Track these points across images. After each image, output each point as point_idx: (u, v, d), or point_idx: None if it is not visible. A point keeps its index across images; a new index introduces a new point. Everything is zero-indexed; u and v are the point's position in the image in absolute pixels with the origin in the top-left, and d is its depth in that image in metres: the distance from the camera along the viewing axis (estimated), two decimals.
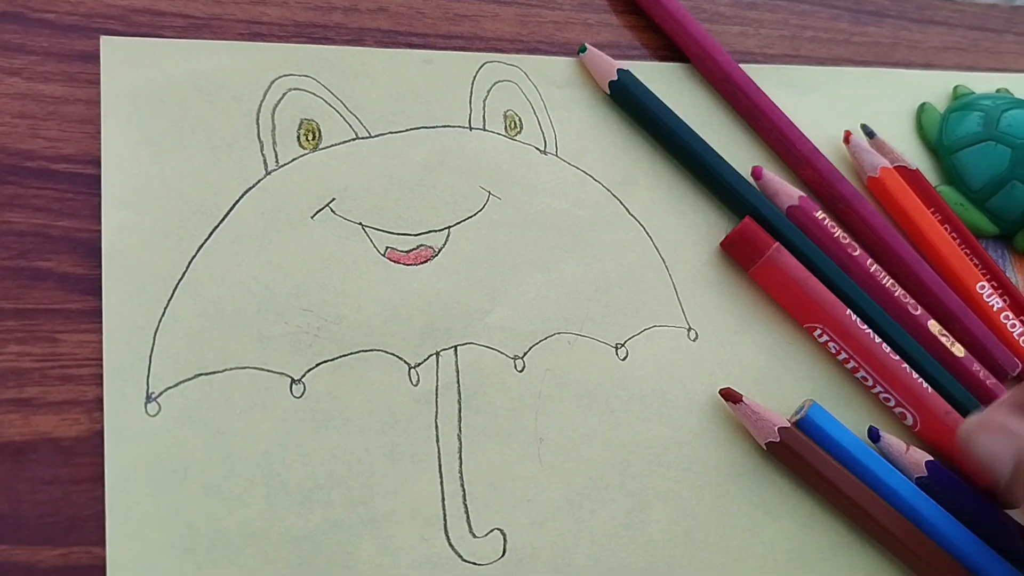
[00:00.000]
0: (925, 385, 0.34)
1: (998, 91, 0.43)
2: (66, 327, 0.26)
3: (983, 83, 0.43)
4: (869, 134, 0.39)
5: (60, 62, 0.29)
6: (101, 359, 0.26)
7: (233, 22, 0.31)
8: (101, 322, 0.26)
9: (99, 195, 0.28)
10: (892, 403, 0.34)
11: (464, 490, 0.28)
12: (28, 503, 0.24)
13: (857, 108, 0.40)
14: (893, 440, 0.34)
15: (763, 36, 0.40)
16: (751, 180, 0.36)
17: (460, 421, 0.29)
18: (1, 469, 0.24)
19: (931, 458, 0.34)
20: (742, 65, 0.37)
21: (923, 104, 0.41)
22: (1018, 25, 0.46)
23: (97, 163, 0.28)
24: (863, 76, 0.41)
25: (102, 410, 0.26)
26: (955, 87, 0.42)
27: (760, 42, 0.39)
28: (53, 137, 0.28)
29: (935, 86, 0.42)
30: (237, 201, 0.29)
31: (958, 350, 0.36)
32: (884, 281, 0.35)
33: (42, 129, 0.28)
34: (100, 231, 0.27)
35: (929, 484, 0.33)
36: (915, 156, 0.41)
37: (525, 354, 0.31)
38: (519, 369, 0.30)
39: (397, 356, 0.29)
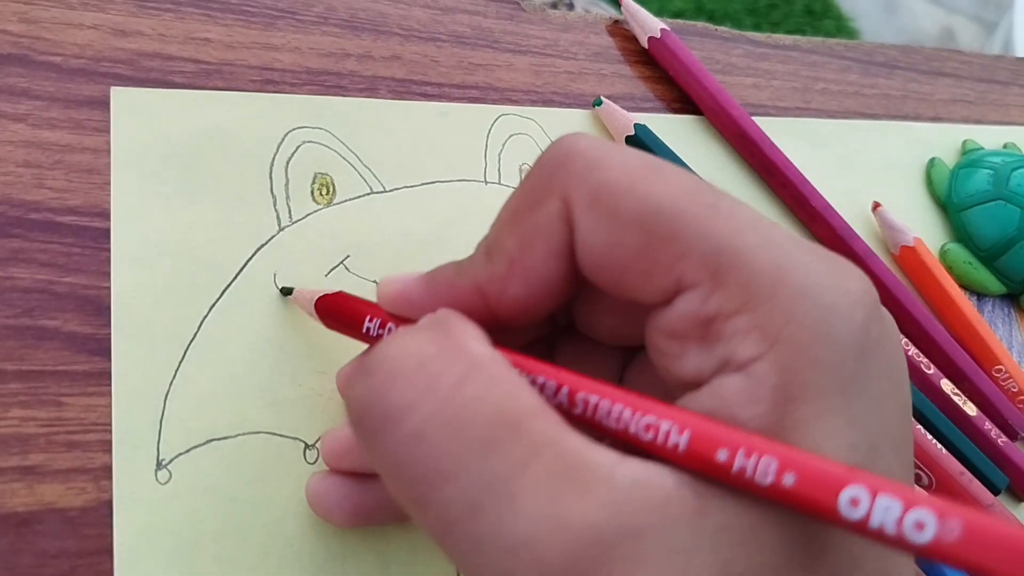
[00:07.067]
0: (939, 447, 0.34)
1: (1005, 146, 0.43)
2: (72, 390, 0.25)
3: (991, 136, 0.43)
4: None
5: (67, 108, 0.28)
6: (109, 424, 0.25)
7: (244, 68, 0.31)
8: (109, 385, 0.25)
9: (107, 250, 0.27)
10: None
11: None
12: None
13: (869, 163, 0.39)
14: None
15: (775, 88, 0.39)
16: None
17: None
18: (4, 542, 0.23)
19: None
20: (755, 118, 0.37)
21: (932, 159, 0.41)
22: (1023, 77, 0.47)
23: (105, 216, 0.27)
24: (873, 129, 0.41)
25: (110, 478, 0.25)
26: (964, 141, 0.42)
27: (772, 94, 0.39)
28: (59, 188, 0.27)
29: (944, 139, 0.42)
30: (250, 258, 0.28)
31: (970, 409, 0.36)
32: None
33: (48, 179, 0.27)
34: (109, 288, 0.26)
35: None
36: (925, 212, 0.41)
37: None
38: None
39: None
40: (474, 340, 0.18)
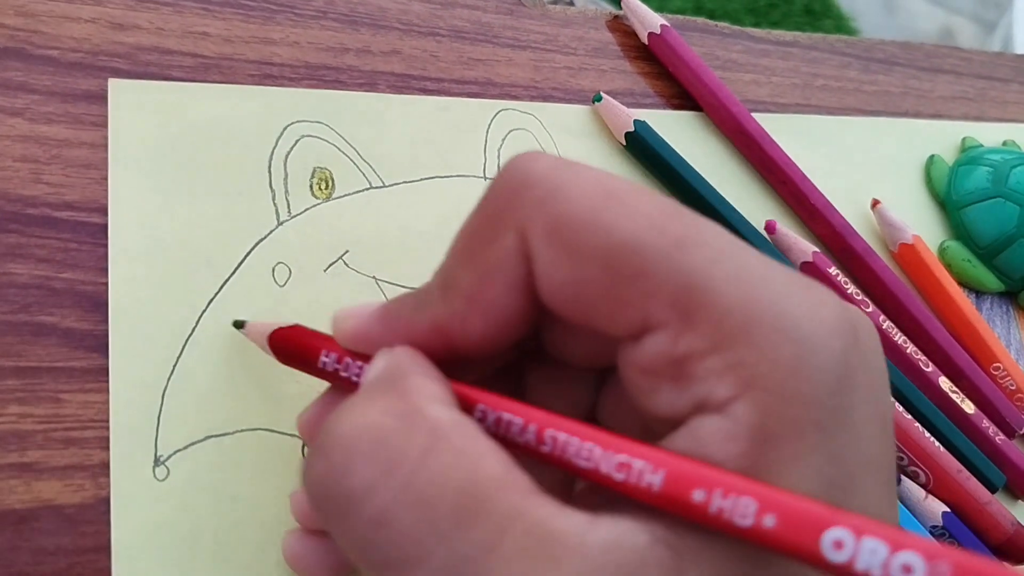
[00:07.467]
0: (937, 444, 0.34)
1: (1005, 143, 0.43)
2: (70, 386, 0.25)
3: (990, 133, 0.43)
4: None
5: (64, 102, 0.28)
6: (107, 420, 0.25)
7: (243, 62, 0.31)
8: (107, 381, 0.25)
9: (104, 245, 0.27)
10: (905, 461, 0.34)
11: None
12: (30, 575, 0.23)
13: (868, 160, 0.39)
14: (912, 486, 0.34)
15: (775, 84, 0.39)
16: (764, 234, 0.35)
17: None
18: (1, 539, 0.23)
19: (947, 509, 0.33)
20: (755, 114, 0.37)
21: (932, 156, 0.41)
22: (1023, 74, 0.47)
23: (102, 211, 0.27)
24: (873, 126, 0.40)
25: (108, 475, 0.25)
26: (963, 139, 0.42)
27: (772, 91, 0.39)
28: (56, 183, 0.27)
29: (944, 137, 0.42)
30: (249, 253, 0.28)
31: (968, 407, 0.36)
32: (896, 338, 0.35)
33: (45, 174, 0.27)
34: (106, 284, 0.26)
35: (943, 534, 0.33)
36: (924, 210, 0.41)
37: None
38: None
39: None
40: (434, 402, 0.17)
